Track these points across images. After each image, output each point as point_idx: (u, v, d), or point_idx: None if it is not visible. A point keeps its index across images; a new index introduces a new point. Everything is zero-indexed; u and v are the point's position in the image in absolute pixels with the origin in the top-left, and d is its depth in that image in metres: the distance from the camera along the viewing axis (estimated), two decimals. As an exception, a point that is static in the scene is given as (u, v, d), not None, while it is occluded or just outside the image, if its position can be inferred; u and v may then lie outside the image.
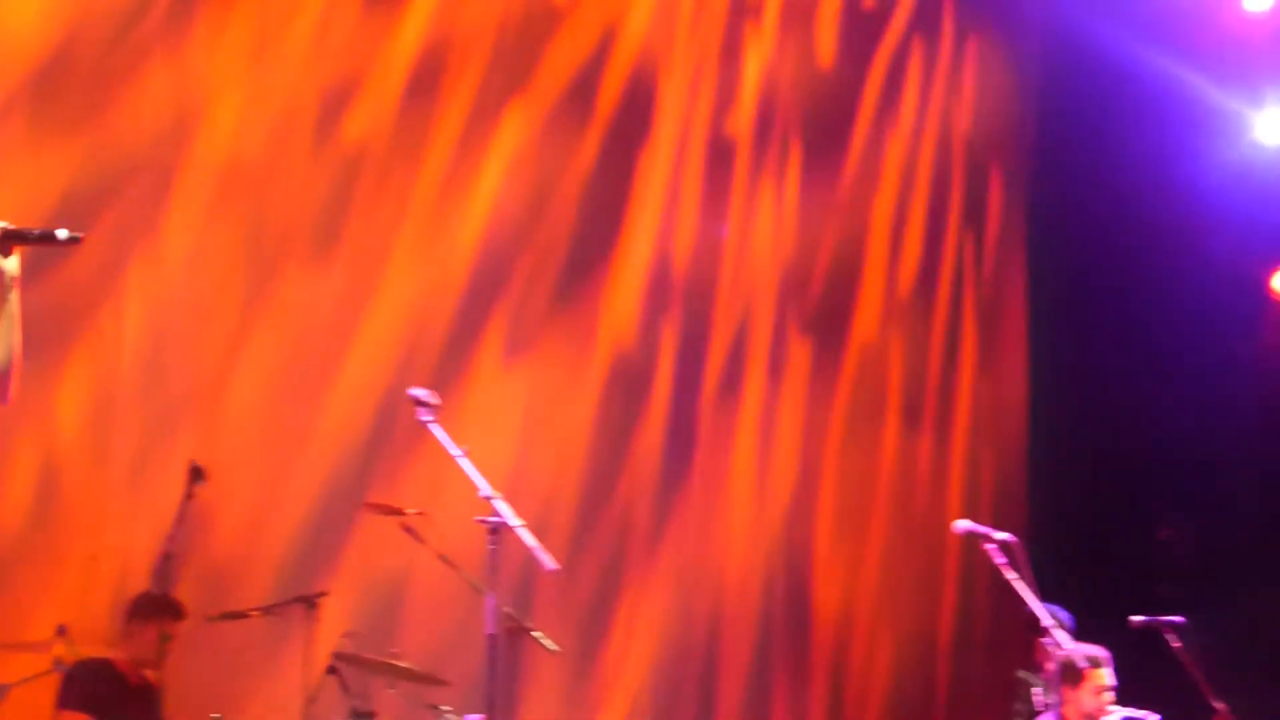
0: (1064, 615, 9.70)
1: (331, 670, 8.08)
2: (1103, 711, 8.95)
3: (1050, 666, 8.70)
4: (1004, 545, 8.24)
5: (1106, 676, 8.94)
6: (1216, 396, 13.25)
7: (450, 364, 9.92)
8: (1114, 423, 12.99)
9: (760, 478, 11.69)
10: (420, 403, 7.13)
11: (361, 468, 9.46)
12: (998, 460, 12.90)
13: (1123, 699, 9.40)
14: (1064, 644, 8.41)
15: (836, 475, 12.14)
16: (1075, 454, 12.91)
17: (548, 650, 8.17)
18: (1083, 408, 12.95)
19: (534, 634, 8.13)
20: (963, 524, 8.48)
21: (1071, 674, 8.87)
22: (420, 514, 8.06)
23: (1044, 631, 8.33)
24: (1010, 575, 8.11)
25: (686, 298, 11.42)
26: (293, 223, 9.49)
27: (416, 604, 9.46)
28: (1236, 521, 13.25)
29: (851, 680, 11.99)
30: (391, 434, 9.45)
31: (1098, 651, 9.02)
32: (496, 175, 10.31)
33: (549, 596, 10.03)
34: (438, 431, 7.02)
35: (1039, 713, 9.33)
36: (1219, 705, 9.48)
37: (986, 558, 8.24)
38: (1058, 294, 13.10)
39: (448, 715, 8.35)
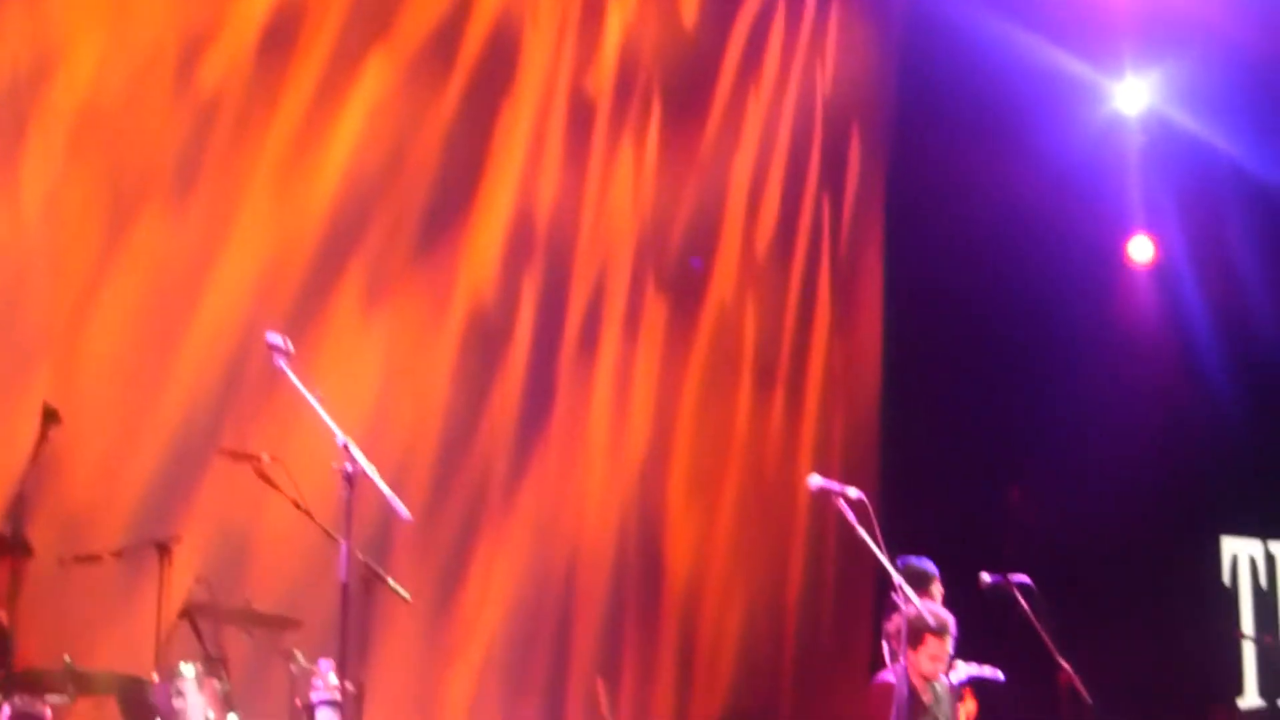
0: (928, 565, 10.04)
1: (184, 615, 8.11)
2: (937, 675, 9.24)
3: (894, 622, 8.83)
4: (854, 502, 8.30)
5: (947, 645, 9.22)
6: (1070, 362, 13.54)
7: (307, 311, 9.99)
8: (967, 385, 13.16)
9: (616, 433, 11.76)
10: (276, 348, 7.08)
11: (216, 413, 9.52)
12: (851, 419, 12.96)
13: (968, 654, 9.88)
14: (913, 602, 8.52)
15: (691, 432, 12.17)
16: (928, 415, 13.02)
17: (402, 598, 8.21)
18: (937, 369, 13.07)
19: (388, 582, 8.10)
20: (815, 479, 8.49)
21: (913, 635, 9.08)
22: (274, 460, 8.09)
23: (895, 587, 8.39)
24: (860, 531, 8.17)
25: (546, 252, 11.50)
26: (150, 169, 9.52)
27: (269, 550, 9.51)
28: (1087, 486, 13.53)
29: (703, 633, 12.04)
30: (247, 380, 9.51)
31: (944, 617, 9.24)
32: (356, 124, 10.36)
33: (405, 545, 10.12)
34: (293, 377, 7.03)
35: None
36: (1063, 664, 9.66)
37: (837, 514, 8.36)
38: (914, 256, 13.21)
39: (299, 661, 8.31)
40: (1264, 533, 14.41)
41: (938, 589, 10.15)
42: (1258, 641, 13.88)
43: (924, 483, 12.77)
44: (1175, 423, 13.96)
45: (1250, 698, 14.02)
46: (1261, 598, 14.20)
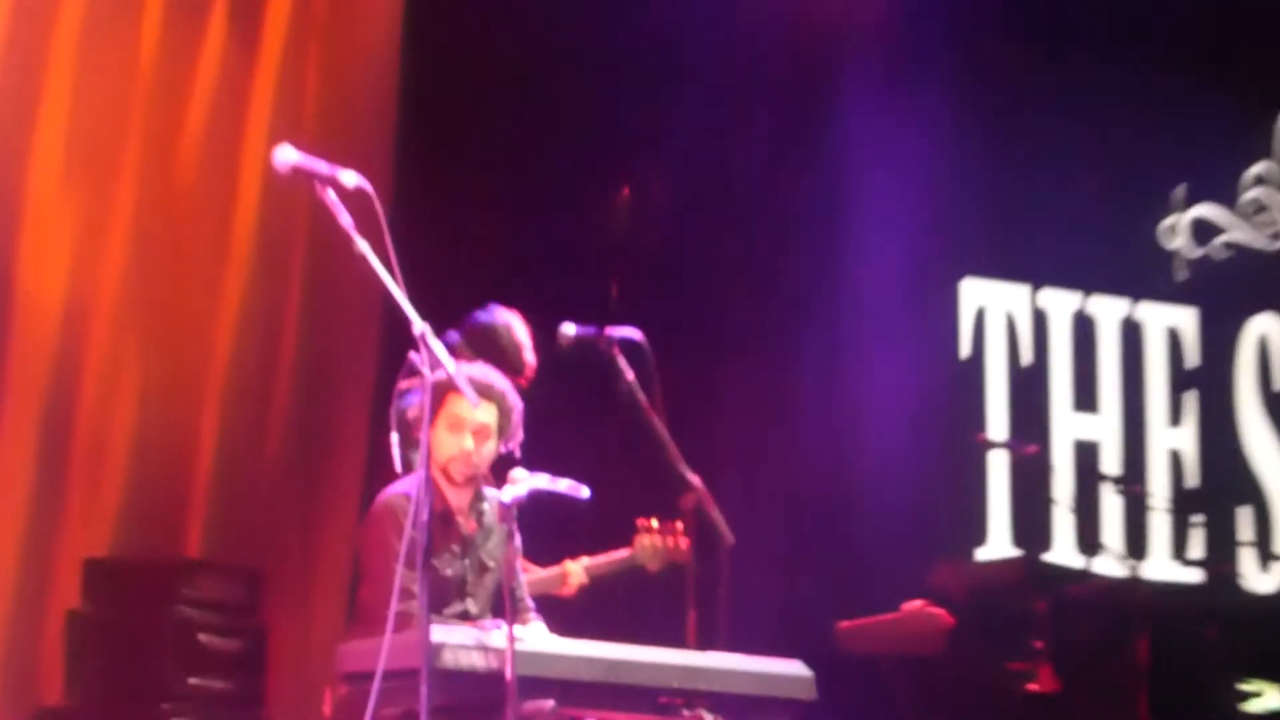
0: (518, 327, 10.27)
1: None
2: (470, 464, 9.07)
3: (411, 399, 8.94)
4: (351, 193, 7.77)
5: (489, 416, 9.14)
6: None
7: None
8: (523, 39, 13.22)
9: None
10: None
11: None
12: (350, 81, 12.71)
13: (537, 457, 9.45)
14: (440, 357, 7.96)
15: (70, 73, 11.76)
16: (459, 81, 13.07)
17: None
18: (468, 33, 13.08)
19: None
20: (288, 155, 7.84)
21: (435, 397, 8.80)
22: None
23: (417, 340, 7.83)
24: (358, 242, 7.66)
25: None
26: None
27: None
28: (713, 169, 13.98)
29: (80, 415, 11.59)
30: None
31: (481, 371, 9.29)
32: None
33: None
34: None
35: None
36: (689, 478, 9.58)
37: (316, 209, 8.00)
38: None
39: None
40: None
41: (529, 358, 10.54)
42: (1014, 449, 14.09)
43: (454, 172, 12.93)
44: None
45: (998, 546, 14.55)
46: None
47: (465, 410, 9.07)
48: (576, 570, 10.32)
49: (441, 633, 8.15)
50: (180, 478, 12.04)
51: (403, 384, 9.09)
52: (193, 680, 10.76)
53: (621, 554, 10.42)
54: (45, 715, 10.99)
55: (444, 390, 8.96)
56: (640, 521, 10.32)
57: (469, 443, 9.09)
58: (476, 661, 8.28)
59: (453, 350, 10.18)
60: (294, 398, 12.43)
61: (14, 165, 11.65)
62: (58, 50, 11.82)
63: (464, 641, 8.30)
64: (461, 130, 13.07)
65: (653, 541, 10.30)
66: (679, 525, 10.22)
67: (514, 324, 10.40)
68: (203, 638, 10.90)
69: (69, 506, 11.66)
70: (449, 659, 8.13)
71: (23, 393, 11.62)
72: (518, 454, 9.40)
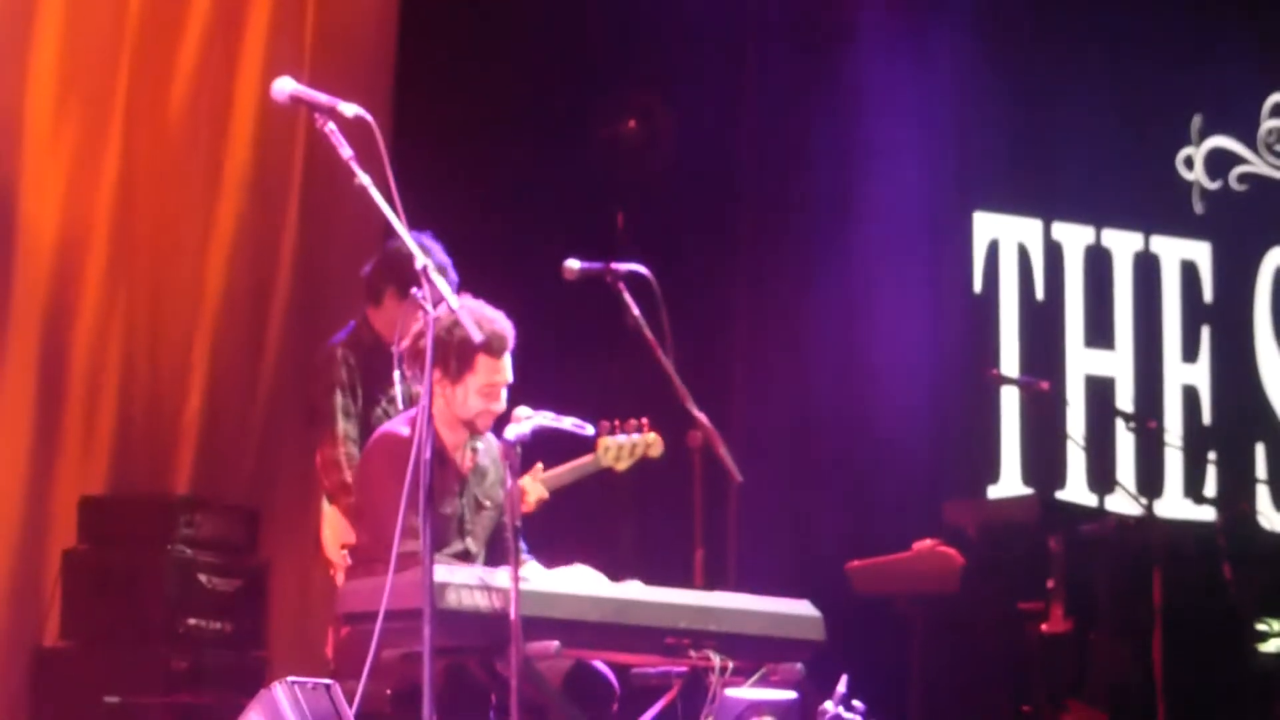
0: (436, 250, 9.86)
1: None
2: (491, 418, 9.09)
3: (415, 338, 8.76)
4: (350, 121, 7.68)
5: (506, 368, 9.11)
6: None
7: None
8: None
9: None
10: None
11: None
12: (350, 8, 12.50)
13: (537, 396, 9.45)
14: (448, 301, 7.91)
15: (63, 11, 11.53)
16: (461, 9, 12.95)
17: None
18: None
19: None
20: (287, 84, 7.79)
21: (461, 357, 8.91)
22: None
23: (415, 276, 7.76)
24: (359, 176, 7.57)
25: None
26: None
27: None
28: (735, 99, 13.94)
29: (75, 352, 11.42)
30: None
31: (502, 325, 9.10)
32: None
33: None
34: None
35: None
36: (698, 415, 9.64)
37: (314, 143, 8.49)
38: None
39: None
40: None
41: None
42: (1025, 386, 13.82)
43: (476, 112, 12.63)
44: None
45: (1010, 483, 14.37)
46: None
47: (499, 375, 9.04)
48: (532, 484, 9.95)
49: (445, 573, 8.11)
50: (174, 413, 11.87)
51: (414, 325, 8.79)
52: (192, 620, 10.70)
53: (584, 459, 10.09)
54: (43, 655, 10.86)
55: (474, 351, 8.88)
56: (602, 423, 9.99)
57: (498, 406, 9.02)
58: (480, 602, 8.22)
59: (368, 280, 10.24)
60: (289, 331, 12.26)
61: (9, 96, 11.48)
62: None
63: (468, 582, 8.25)
64: (464, 60, 12.84)
65: (615, 440, 10.02)
66: (644, 420, 10.05)
67: (431, 247, 10.01)
68: (202, 577, 10.83)
69: (67, 443, 11.51)
70: (453, 599, 8.09)
71: (22, 331, 11.48)
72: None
